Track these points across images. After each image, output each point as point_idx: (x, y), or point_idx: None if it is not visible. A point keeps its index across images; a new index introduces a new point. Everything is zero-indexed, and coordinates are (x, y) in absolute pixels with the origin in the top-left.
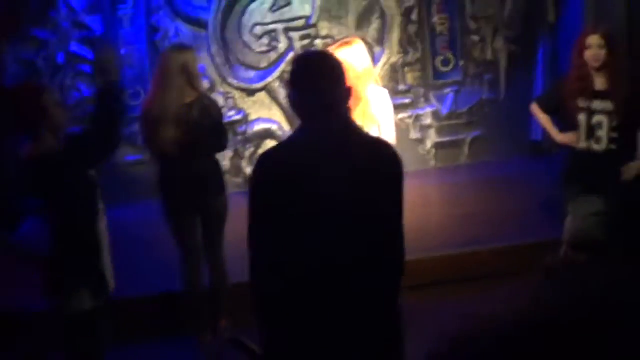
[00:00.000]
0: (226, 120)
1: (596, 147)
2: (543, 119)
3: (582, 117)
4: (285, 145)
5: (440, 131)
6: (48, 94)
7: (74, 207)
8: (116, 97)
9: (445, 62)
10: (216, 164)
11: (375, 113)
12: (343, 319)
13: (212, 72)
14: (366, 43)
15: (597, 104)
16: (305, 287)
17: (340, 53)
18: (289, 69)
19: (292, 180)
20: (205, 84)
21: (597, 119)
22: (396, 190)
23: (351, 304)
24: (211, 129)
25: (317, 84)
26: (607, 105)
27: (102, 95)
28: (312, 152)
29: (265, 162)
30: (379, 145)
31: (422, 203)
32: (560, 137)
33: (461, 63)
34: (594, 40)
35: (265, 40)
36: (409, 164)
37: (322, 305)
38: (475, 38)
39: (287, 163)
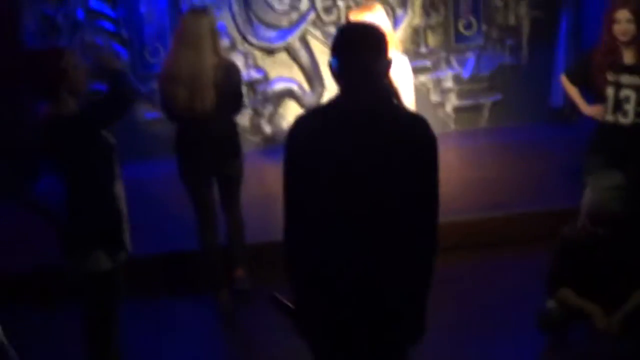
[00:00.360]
0: (246, 79)
1: (623, 120)
2: (572, 90)
3: (610, 91)
4: (321, 111)
5: (460, 94)
6: (69, 56)
7: (89, 169)
8: (124, 83)
9: (468, 26)
10: (233, 126)
11: (395, 78)
12: (371, 291)
13: (232, 30)
14: (388, 5)
15: (625, 78)
16: (334, 259)
17: (362, 17)
18: (310, 28)
19: (324, 147)
20: (226, 43)
21: (624, 92)
22: (428, 168)
23: (377, 277)
24: (231, 92)
25: (359, 55)
26: (635, 79)
27: (110, 83)
28: (347, 121)
29: (299, 126)
30: (415, 122)
31: (441, 166)
32: (588, 109)
33: (483, 27)
34: (622, 14)
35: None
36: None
37: (351, 278)
38: (499, 2)
39: (321, 129)
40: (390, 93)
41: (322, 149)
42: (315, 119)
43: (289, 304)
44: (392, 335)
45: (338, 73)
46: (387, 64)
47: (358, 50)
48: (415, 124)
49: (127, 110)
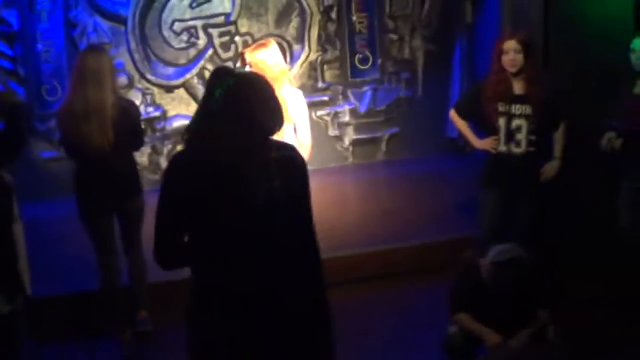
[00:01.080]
0: (144, 116)
1: (516, 150)
2: (461, 125)
3: (501, 121)
4: (195, 148)
5: (357, 128)
6: None
7: None
8: (20, 116)
9: (364, 60)
10: (133, 164)
11: (291, 113)
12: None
13: (130, 68)
14: (286, 41)
15: (516, 108)
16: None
17: (258, 55)
18: (208, 65)
19: (202, 177)
20: (124, 80)
21: (516, 122)
22: (304, 190)
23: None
24: (130, 130)
25: (242, 111)
26: (526, 108)
27: (8, 118)
28: (225, 152)
29: (177, 159)
30: (286, 149)
31: (339, 200)
32: (478, 143)
33: (379, 61)
34: (510, 45)
35: (184, 36)
36: (327, 161)
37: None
38: (393, 37)
39: (199, 161)
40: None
41: (200, 178)
42: (191, 152)
43: None
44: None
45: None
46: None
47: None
48: (287, 151)
49: (24, 145)
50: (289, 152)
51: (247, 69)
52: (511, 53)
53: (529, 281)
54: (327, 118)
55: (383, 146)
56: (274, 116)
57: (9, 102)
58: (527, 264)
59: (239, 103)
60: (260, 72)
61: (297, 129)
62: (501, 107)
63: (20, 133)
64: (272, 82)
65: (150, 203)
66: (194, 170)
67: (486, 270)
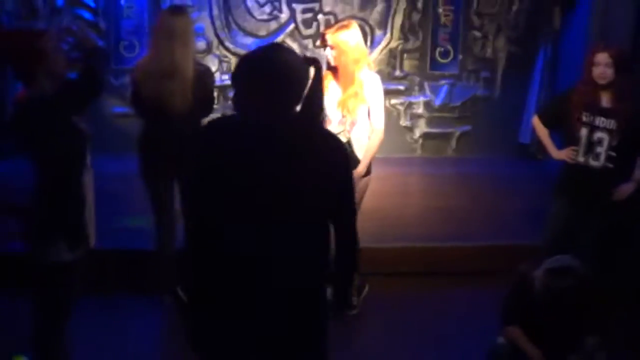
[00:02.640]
0: (219, 83)
1: (593, 163)
2: (542, 133)
3: (583, 132)
4: (225, 121)
5: (430, 122)
6: (47, 38)
7: (60, 155)
8: (98, 58)
9: (444, 54)
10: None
11: (367, 96)
12: (270, 296)
13: (210, 33)
14: (368, 25)
15: (600, 121)
16: (233, 263)
17: (340, 36)
18: (287, 40)
19: (231, 151)
20: (202, 45)
21: (598, 135)
22: (341, 175)
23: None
24: (203, 95)
25: (256, 88)
26: (610, 122)
27: (87, 56)
28: (250, 134)
29: (206, 132)
30: (322, 135)
31: (400, 191)
32: (556, 153)
33: (460, 57)
34: (602, 58)
35: (267, 8)
36: (395, 150)
37: (247, 283)
38: (477, 34)
39: (224, 136)
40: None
41: (230, 153)
42: (224, 125)
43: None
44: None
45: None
46: (297, 91)
47: (258, 81)
48: (322, 137)
49: (101, 91)
50: (329, 140)
51: (328, 50)
52: (602, 66)
53: (580, 297)
54: (401, 108)
55: (453, 143)
56: (295, 90)
57: (88, 45)
58: (581, 278)
59: (257, 76)
60: (341, 53)
61: (370, 113)
62: (585, 118)
63: (97, 78)
64: (352, 64)
65: None
66: (214, 143)
67: (539, 280)
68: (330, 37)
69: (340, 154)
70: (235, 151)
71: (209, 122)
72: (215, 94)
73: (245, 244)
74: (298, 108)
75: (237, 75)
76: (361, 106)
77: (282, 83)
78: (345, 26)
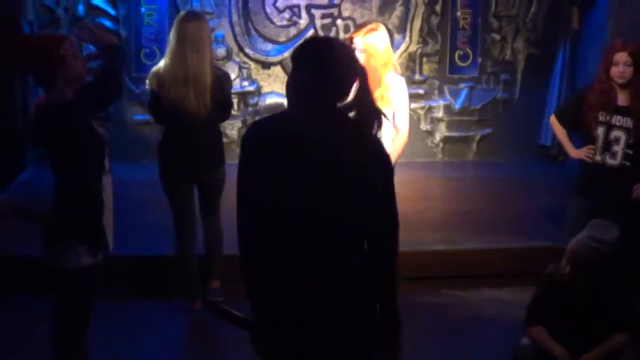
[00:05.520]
0: (239, 89)
1: (610, 161)
2: (560, 132)
3: (600, 131)
4: (275, 117)
5: (450, 125)
6: (67, 44)
7: (79, 159)
8: (117, 55)
9: (464, 57)
10: (219, 135)
11: (393, 99)
12: (325, 293)
13: (230, 40)
14: (387, 29)
15: (617, 119)
16: (288, 261)
17: (369, 39)
18: None
19: (277, 150)
20: (222, 52)
21: (615, 133)
22: (384, 180)
23: (331, 280)
24: (222, 100)
25: (304, 71)
26: (627, 121)
27: (104, 54)
28: (298, 130)
29: (255, 130)
30: (366, 139)
31: (422, 195)
32: (574, 152)
33: (479, 60)
34: (621, 57)
35: (286, 14)
36: (416, 155)
37: (304, 278)
38: (496, 36)
39: (274, 134)
40: (348, 110)
41: (275, 151)
42: (269, 123)
43: (239, 314)
44: (357, 343)
45: (289, 88)
46: (343, 82)
47: (306, 63)
48: (366, 140)
49: (120, 89)
50: (375, 145)
51: (357, 53)
52: (621, 65)
53: (611, 276)
54: (421, 112)
55: (474, 146)
56: (340, 82)
57: (108, 41)
58: (615, 251)
59: (303, 68)
60: (370, 57)
61: (395, 116)
62: (602, 117)
63: (117, 76)
64: (381, 67)
65: (235, 176)
66: (263, 137)
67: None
68: (360, 40)
69: (386, 159)
70: (282, 149)
71: (257, 121)
72: (235, 100)
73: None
74: (352, 113)
75: (294, 56)
76: (386, 109)
77: (334, 70)
78: (374, 29)
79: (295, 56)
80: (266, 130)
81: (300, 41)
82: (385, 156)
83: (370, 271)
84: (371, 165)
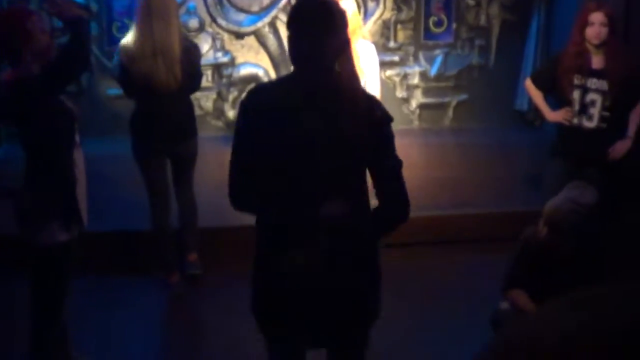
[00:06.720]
0: (212, 61)
1: (587, 124)
2: (536, 95)
3: (576, 94)
4: (273, 83)
5: (426, 92)
6: (35, 18)
7: (48, 135)
8: (82, 29)
9: (438, 23)
10: (190, 106)
11: (363, 67)
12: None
13: (202, 11)
14: None
15: (592, 82)
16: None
17: None
18: (280, 15)
19: (274, 114)
20: (195, 23)
21: (591, 96)
22: (387, 141)
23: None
24: (191, 71)
25: (306, 31)
26: (602, 84)
27: (70, 27)
28: (294, 95)
29: (253, 95)
30: (368, 99)
31: (404, 163)
32: (551, 115)
33: (454, 26)
34: (597, 17)
35: None
36: (393, 122)
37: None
38: (471, 2)
39: (272, 98)
40: (347, 71)
41: (272, 115)
42: (266, 89)
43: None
44: (356, 312)
45: (289, 49)
46: (340, 42)
47: (305, 27)
48: (368, 101)
49: (87, 62)
50: (367, 101)
51: None
52: (597, 26)
53: (588, 237)
54: (396, 79)
55: (450, 112)
56: (335, 37)
57: (74, 14)
58: (593, 214)
59: (297, 26)
60: None
61: (366, 83)
62: (577, 80)
63: (83, 49)
64: (349, 34)
65: (214, 149)
66: (263, 102)
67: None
68: None
69: (379, 109)
70: (282, 107)
71: (257, 85)
72: (209, 71)
73: (296, 200)
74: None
75: (289, 19)
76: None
77: (329, 26)
78: None
79: (293, 19)
80: (271, 94)
81: (294, 3)
82: (379, 104)
83: (384, 206)
84: (373, 116)
